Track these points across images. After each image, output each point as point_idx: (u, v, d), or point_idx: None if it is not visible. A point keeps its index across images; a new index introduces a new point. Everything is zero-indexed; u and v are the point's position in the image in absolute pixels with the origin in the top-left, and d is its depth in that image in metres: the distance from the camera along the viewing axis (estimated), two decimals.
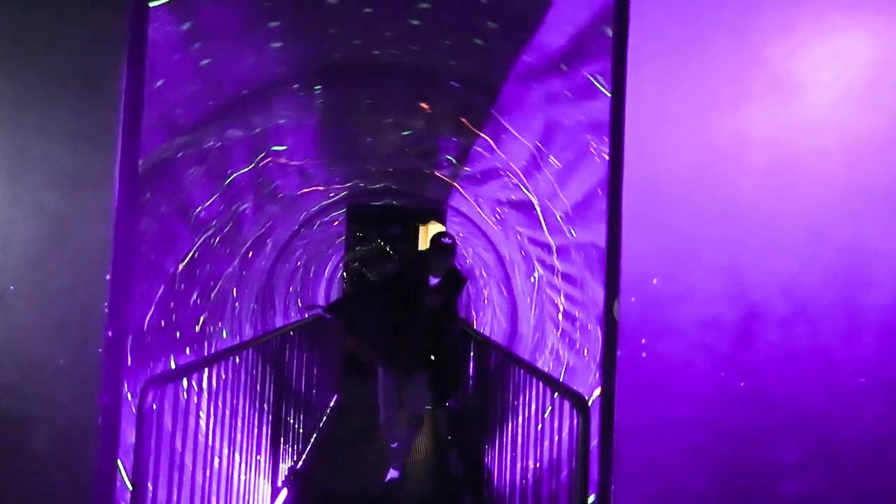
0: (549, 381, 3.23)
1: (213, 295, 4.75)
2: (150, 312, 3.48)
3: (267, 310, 6.87)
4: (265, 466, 4.28)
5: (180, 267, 3.87)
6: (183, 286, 4.02)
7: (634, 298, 1.60)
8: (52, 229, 1.60)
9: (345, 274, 12.06)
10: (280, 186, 5.18)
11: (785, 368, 1.58)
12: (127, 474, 2.32)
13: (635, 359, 1.59)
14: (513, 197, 4.99)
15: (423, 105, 4.01)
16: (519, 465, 3.76)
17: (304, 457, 5.59)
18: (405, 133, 4.76)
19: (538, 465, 3.38)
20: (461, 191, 6.21)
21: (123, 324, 1.70)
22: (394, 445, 5.18)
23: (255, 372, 4.01)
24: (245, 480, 3.77)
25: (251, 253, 5.57)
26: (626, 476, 1.59)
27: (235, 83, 2.98)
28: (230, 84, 2.93)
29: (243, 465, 3.74)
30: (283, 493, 4.65)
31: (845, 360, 1.58)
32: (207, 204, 3.85)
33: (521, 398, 3.75)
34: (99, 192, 1.59)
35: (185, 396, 2.78)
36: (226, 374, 3.32)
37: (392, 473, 5.17)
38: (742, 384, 1.59)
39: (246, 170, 4.12)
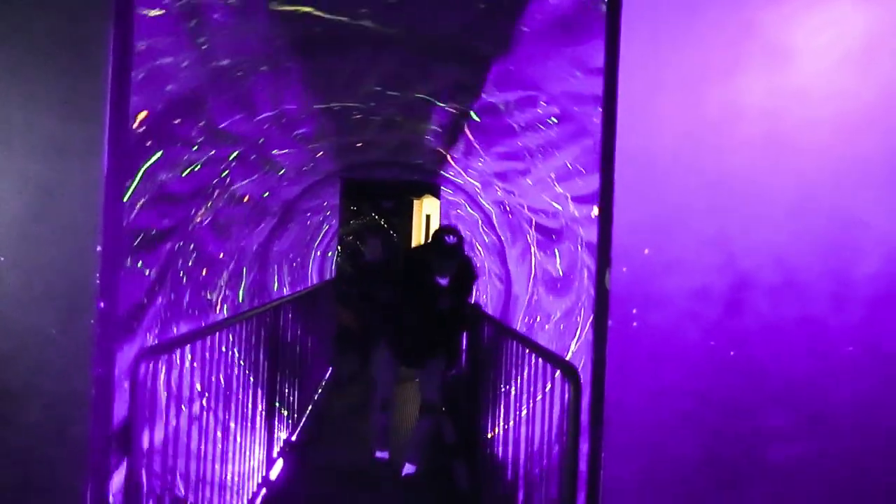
0: (542, 352, 3.25)
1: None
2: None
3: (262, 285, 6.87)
4: (260, 438, 4.32)
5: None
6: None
7: (626, 268, 1.61)
8: (40, 200, 1.58)
9: (339, 248, 12.06)
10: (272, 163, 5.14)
11: (774, 337, 1.59)
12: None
13: (626, 328, 1.60)
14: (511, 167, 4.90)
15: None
16: (511, 434, 3.81)
17: (299, 429, 5.64)
18: (397, 104, 4.70)
19: (531, 433, 3.42)
20: (453, 163, 6.18)
21: (115, 295, 1.69)
22: (381, 453, 4.95)
23: (249, 345, 4.02)
24: (240, 452, 3.81)
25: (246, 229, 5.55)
26: (616, 445, 1.61)
27: (224, 56, 2.94)
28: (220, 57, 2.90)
29: (238, 436, 3.77)
30: (279, 464, 4.70)
31: (834, 328, 1.59)
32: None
33: (513, 368, 3.78)
34: (87, 162, 1.57)
35: (178, 369, 2.79)
36: (219, 346, 3.32)
37: (380, 454, 4.98)
38: (732, 353, 1.60)
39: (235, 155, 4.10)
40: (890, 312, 1.59)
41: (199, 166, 3.50)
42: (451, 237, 4.54)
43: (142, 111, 2.48)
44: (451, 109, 4.43)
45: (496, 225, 6.73)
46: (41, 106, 1.57)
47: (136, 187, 2.59)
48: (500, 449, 4.09)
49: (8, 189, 1.59)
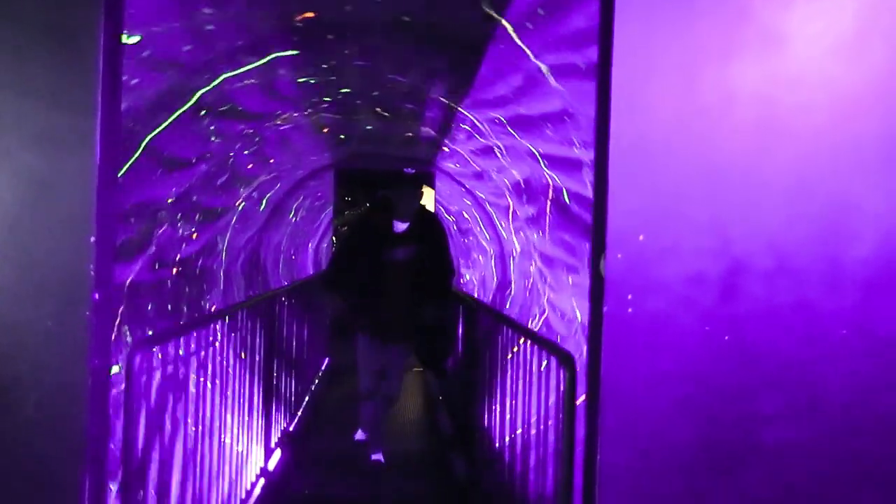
0: (537, 340, 3.26)
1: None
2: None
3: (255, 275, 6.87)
4: (258, 428, 4.32)
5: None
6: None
7: (621, 255, 1.61)
8: (32, 192, 1.57)
9: (334, 239, 12.04)
10: (268, 152, 5.11)
11: (768, 321, 1.60)
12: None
13: (621, 314, 1.61)
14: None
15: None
16: (508, 422, 3.82)
17: (296, 419, 5.65)
18: (392, 92, 4.67)
19: (527, 422, 3.44)
20: (448, 150, 6.17)
21: (110, 286, 1.69)
22: (361, 434, 4.79)
23: (245, 335, 4.02)
24: (238, 442, 3.81)
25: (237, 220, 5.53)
26: (611, 430, 1.61)
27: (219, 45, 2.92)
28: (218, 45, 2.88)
29: (236, 427, 3.78)
30: (277, 454, 4.71)
31: (828, 312, 1.60)
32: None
33: (507, 356, 3.79)
34: (80, 152, 1.57)
35: (174, 360, 2.79)
36: (215, 337, 3.32)
37: (359, 436, 4.89)
38: (727, 338, 1.61)
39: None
40: (884, 296, 1.60)
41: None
42: (410, 168, 4.24)
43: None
44: (443, 99, 4.42)
45: (491, 213, 6.73)
46: (32, 97, 1.56)
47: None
48: (497, 437, 4.11)
49: (0, 181, 1.57)
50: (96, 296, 1.61)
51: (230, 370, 3.67)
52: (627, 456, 1.62)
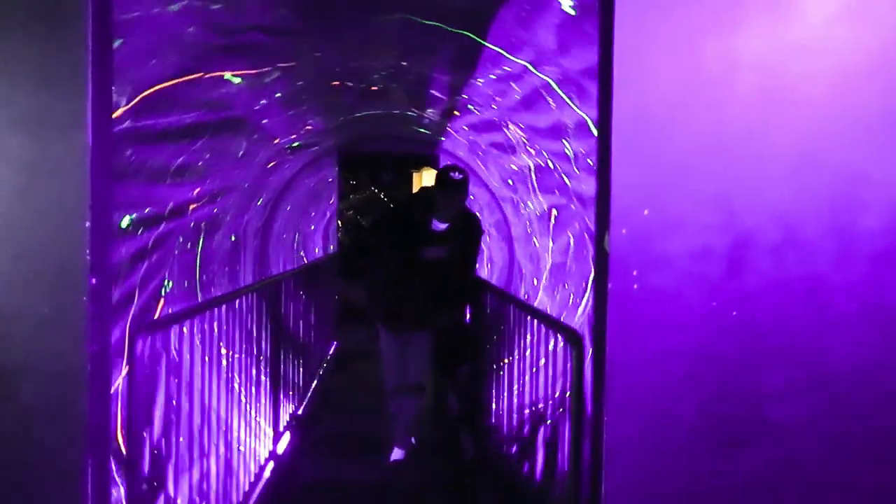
0: (544, 319, 3.24)
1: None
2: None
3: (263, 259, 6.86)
4: (266, 412, 4.33)
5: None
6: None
7: (625, 230, 1.58)
8: (23, 176, 1.55)
9: (339, 223, 12.03)
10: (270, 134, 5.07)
11: (776, 296, 1.57)
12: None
13: (626, 291, 1.58)
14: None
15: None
16: (516, 402, 3.81)
17: (304, 402, 5.67)
18: (395, 72, 4.61)
19: (535, 400, 3.43)
20: (453, 133, 6.12)
21: (107, 271, 1.67)
22: (399, 452, 4.42)
23: (252, 319, 4.02)
24: (246, 425, 3.82)
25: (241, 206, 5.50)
26: (618, 407, 1.59)
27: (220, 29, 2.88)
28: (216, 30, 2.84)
29: (244, 410, 3.79)
30: (286, 438, 4.73)
31: (836, 286, 1.57)
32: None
33: (516, 336, 3.77)
34: (71, 135, 1.54)
35: (178, 344, 2.78)
36: (221, 321, 3.32)
37: (396, 454, 4.46)
38: (734, 313, 1.58)
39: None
40: (893, 268, 1.57)
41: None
42: (456, 173, 3.97)
43: None
44: (448, 79, 4.36)
45: (498, 196, 6.69)
46: (21, 79, 1.53)
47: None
48: (505, 418, 4.10)
49: None
50: (93, 281, 1.59)
51: (237, 354, 3.67)
52: (634, 432, 1.60)
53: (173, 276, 3.59)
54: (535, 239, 5.53)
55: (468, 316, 5.16)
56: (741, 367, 1.59)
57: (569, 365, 2.60)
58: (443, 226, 4.07)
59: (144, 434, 2.31)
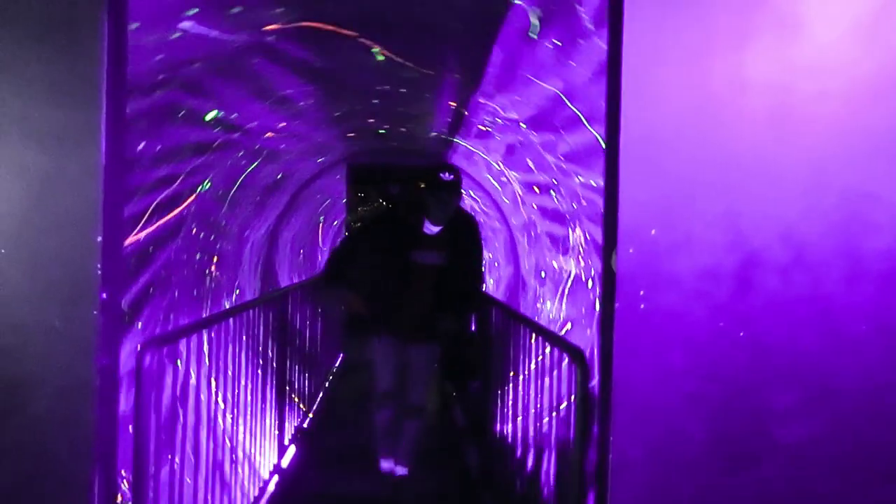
0: (549, 336, 3.23)
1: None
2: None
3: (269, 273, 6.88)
4: (271, 425, 4.33)
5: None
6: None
7: (632, 249, 1.58)
8: (38, 190, 1.57)
9: (346, 233, 12.05)
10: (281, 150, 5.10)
11: (784, 316, 1.57)
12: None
13: (633, 310, 1.58)
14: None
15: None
16: (521, 416, 3.80)
17: (310, 415, 5.66)
18: (403, 89, 4.64)
19: (540, 416, 3.42)
20: (464, 144, 6.12)
21: (118, 284, 1.68)
22: (387, 462, 4.15)
23: (258, 332, 4.02)
24: (251, 439, 3.82)
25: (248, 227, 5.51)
26: (624, 426, 1.59)
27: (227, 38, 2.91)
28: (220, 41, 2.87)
29: (249, 423, 3.79)
30: (291, 451, 4.72)
31: (844, 305, 1.56)
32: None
33: (521, 352, 3.76)
34: (84, 149, 1.56)
35: (185, 357, 2.79)
36: (228, 334, 3.32)
37: (385, 465, 4.18)
38: (741, 333, 1.58)
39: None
40: None
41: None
42: (447, 173, 3.73)
43: None
44: (455, 93, 4.38)
45: (503, 209, 6.70)
46: (37, 93, 1.55)
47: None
48: (510, 430, 4.09)
49: (5, 178, 1.57)
50: (104, 294, 1.60)
51: (243, 367, 3.68)
52: (640, 451, 1.60)
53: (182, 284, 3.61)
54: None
55: (473, 327, 5.04)
56: (748, 387, 1.59)
57: (573, 381, 2.60)
58: (435, 229, 3.83)
59: (151, 446, 2.31)
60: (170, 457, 2.62)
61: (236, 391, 3.52)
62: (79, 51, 1.55)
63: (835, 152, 1.58)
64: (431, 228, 3.82)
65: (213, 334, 3.07)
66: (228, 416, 3.42)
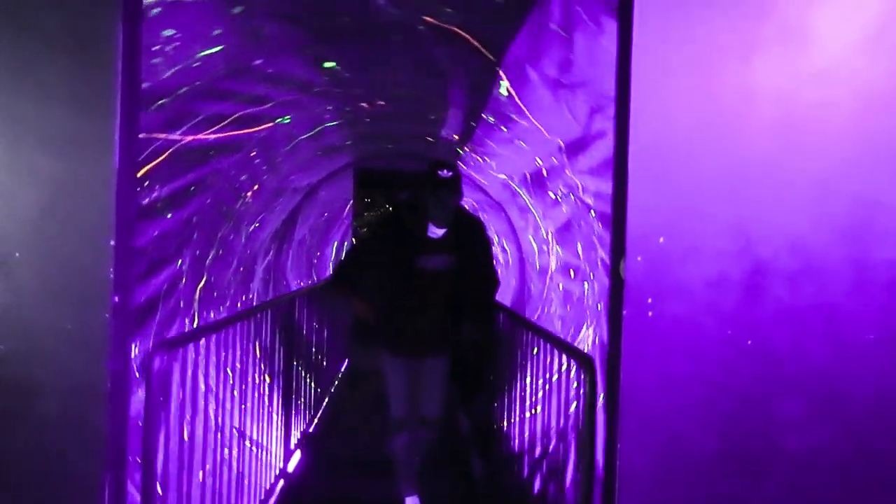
0: (557, 343, 3.24)
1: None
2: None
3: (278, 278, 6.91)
4: (278, 430, 4.34)
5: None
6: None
7: (640, 257, 1.59)
8: (53, 196, 1.59)
9: (354, 240, 12.08)
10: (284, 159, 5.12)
11: (792, 324, 1.57)
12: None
13: (641, 318, 1.59)
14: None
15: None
16: (528, 423, 3.80)
17: (316, 421, 5.67)
18: (413, 96, 4.66)
19: (546, 423, 3.41)
20: (472, 154, 6.14)
21: (129, 288, 1.70)
22: (413, 500, 3.86)
23: (265, 337, 4.04)
24: (257, 443, 3.83)
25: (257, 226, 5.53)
26: (631, 434, 1.59)
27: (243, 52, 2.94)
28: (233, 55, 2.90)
29: (255, 428, 3.80)
30: (296, 456, 4.73)
31: (853, 315, 1.57)
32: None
33: (527, 358, 3.76)
34: (99, 156, 1.58)
35: (194, 361, 2.80)
36: (235, 338, 3.34)
37: (410, 501, 3.87)
38: (749, 342, 1.58)
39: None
40: None
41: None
42: (445, 171, 3.47)
43: None
44: (465, 100, 4.40)
45: (510, 215, 6.70)
46: (53, 101, 1.58)
47: None
48: (516, 439, 4.09)
49: (21, 184, 1.59)
50: (116, 298, 1.62)
51: (250, 372, 3.69)
52: (648, 460, 1.60)
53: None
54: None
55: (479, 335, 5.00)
56: (756, 395, 1.59)
57: (581, 389, 2.60)
58: (440, 231, 3.58)
59: (159, 450, 2.33)
60: (178, 459, 2.64)
61: (244, 395, 3.53)
62: (95, 61, 1.57)
63: (842, 161, 1.58)
64: (436, 232, 3.60)
65: (221, 338, 3.09)
66: (235, 420, 3.43)
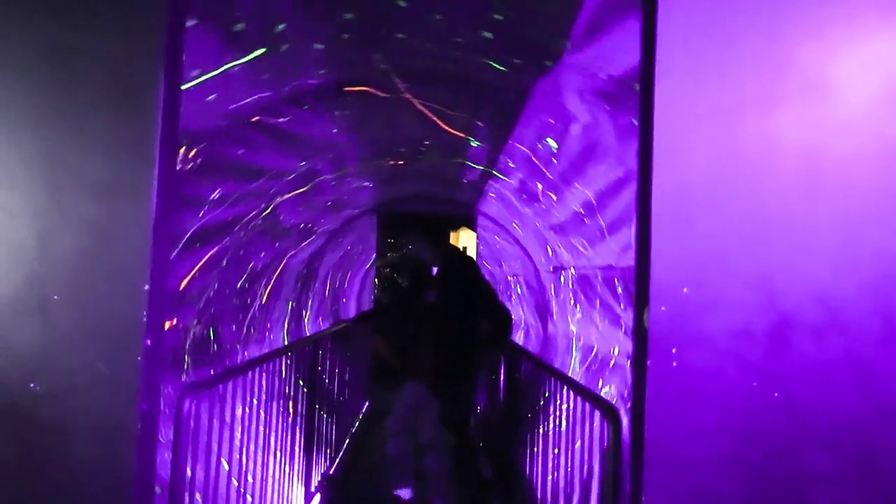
0: (581, 391, 3.21)
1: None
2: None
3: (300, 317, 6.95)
4: (299, 471, 4.32)
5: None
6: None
7: (664, 307, 1.59)
8: (91, 240, 1.64)
9: (376, 280, 12.13)
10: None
11: (818, 377, 1.56)
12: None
13: (665, 368, 1.59)
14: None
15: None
16: (551, 471, 3.75)
17: (336, 462, 5.63)
18: (433, 138, 4.72)
19: (570, 472, 3.37)
20: (492, 194, 6.19)
21: (161, 332, 1.74)
22: (405, 490, 4.41)
23: (288, 378, 4.06)
24: (279, 485, 3.82)
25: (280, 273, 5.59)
26: (656, 485, 1.58)
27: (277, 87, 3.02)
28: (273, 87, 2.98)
29: (277, 470, 3.79)
30: (317, 499, 4.70)
31: (881, 367, 1.55)
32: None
33: (551, 405, 3.73)
34: (136, 202, 1.63)
35: (220, 403, 2.83)
36: (260, 380, 3.37)
37: (400, 492, 4.45)
38: (775, 393, 1.57)
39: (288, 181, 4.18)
40: None
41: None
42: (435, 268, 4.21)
43: None
44: (485, 145, 4.46)
45: (532, 256, 6.71)
46: (93, 148, 1.64)
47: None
48: (539, 486, 4.03)
49: (61, 229, 1.65)
50: (148, 341, 1.66)
51: (273, 413, 3.70)
52: None
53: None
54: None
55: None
56: (784, 448, 1.57)
57: (605, 438, 2.57)
58: (436, 269, 4.21)
59: (185, 491, 2.34)
60: (202, 500, 2.64)
61: (267, 437, 3.54)
62: (136, 110, 1.64)
63: (868, 213, 1.58)
64: (435, 270, 4.22)
65: (248, 380, 3.12)
66: (259, 462, 3.43)
